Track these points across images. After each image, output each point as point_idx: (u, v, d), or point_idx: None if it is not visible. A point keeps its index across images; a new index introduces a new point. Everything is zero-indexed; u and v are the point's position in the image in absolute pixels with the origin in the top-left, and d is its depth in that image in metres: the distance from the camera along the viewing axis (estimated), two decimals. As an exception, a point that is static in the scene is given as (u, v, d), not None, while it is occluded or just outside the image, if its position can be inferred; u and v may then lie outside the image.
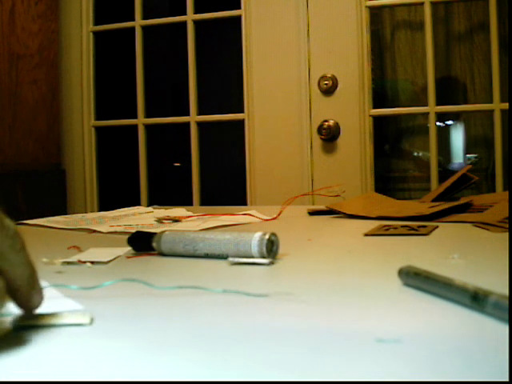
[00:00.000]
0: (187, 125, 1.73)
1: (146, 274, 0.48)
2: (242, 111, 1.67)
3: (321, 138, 1.59)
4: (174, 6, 2.04)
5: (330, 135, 1.58)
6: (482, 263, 0.48)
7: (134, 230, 0.62)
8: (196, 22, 1.72)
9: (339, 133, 1.59)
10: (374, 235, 0.66)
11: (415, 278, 0.37)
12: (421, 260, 0.50)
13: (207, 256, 0.53)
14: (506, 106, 1.50)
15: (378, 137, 1.66)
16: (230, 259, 0.49)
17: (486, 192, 1.69)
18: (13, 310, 0.31)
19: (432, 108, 1.56)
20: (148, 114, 1.78)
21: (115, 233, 0.73)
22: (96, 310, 0.34)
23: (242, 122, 1.68)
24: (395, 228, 0.70)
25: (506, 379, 0.21)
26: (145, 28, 1.78)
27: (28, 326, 0.31)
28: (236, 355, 0.26)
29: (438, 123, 1.59)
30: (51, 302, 0.34)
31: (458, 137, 2.05)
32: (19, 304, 0.31)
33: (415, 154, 2.05)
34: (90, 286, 0.38)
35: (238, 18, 1.67)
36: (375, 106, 1.60)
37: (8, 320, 0.31)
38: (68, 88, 1.81)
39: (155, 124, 1.82)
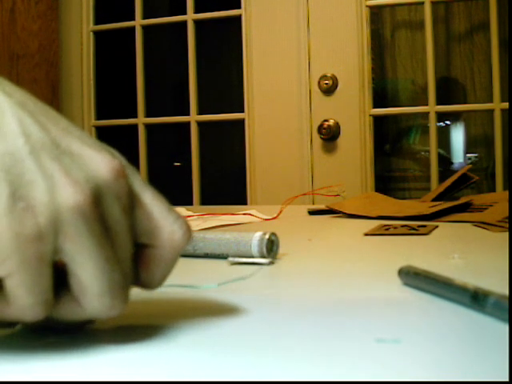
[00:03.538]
0: (187, 124, 1.73)
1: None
2: (242, 111, 1.67)
3: (321, 138, 1.59)
4: (174, 6, 2.04)
5: (330, 135, 1.58)
6: (482, 263, 0.48)
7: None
8: (196, 22, 1.72)
9: (339, 132, 1.59)
10: (374, 235, 0.66)
11: (415, 278, 0.37)
12: (421, 260, 0.50)
13: (207, 256, 0.53)
14: (506, 105, 1.50)
15: (378, 136, 1.66)
16: (230, 259, 0.49)
17: (486, 192, 1.69)
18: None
19: (432, 108, 1.56)
20: (148, 114, 1.78)
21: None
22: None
23: (242, 122, 1.68)
24: (395, 228, 0.70)
25: (506, 379, 0.21)
26: (145, 28, 1.78)
27: None
28: (235, 355, 0.26)
29: (438, 123, 1.59)
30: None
31: (458, 136, 2.05)
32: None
33: (415, 153, 2.05)
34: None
35: (238, 18, 1.67)
36: (375, 106, 1.60)
37: None
38: (68, 88, 1.81)
39: (155, 123, 1.82)
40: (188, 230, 0.28)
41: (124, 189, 0.26)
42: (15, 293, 0.24)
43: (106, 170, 0.25)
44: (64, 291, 0.26)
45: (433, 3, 1.56)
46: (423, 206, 0.84)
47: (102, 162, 0.25)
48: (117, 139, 2.03)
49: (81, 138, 0.26)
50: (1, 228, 0.23)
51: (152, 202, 0.27)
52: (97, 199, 0.25)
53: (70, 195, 0.24)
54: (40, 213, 0.23)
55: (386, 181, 2.03)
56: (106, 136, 1.85)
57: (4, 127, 0.24)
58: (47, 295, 0.24)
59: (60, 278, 0.25)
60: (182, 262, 0.51)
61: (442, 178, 1.46)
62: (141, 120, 1.77)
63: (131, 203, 0.26)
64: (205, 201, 1.74)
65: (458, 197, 0.96)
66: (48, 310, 0.25)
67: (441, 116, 1.66)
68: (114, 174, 0.25)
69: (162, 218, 0.27)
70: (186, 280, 0.42)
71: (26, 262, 0.23)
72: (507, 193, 0.90)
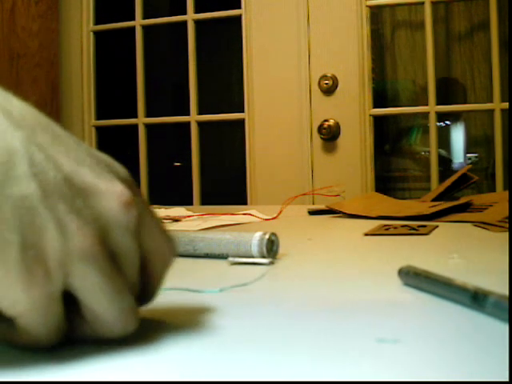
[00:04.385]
0: (187, 124, 1.73)
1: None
2: (242, 111, 1.67)
3: (321, 138, 1.59)
4: (174, 6, 2.04)
5: (330, 135, 1.58)
6: (482, 263, 0.48)
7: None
8: (196, 22, 1.72)
9: (339, 132, 1.59)
10: (374, 235, 0.66)
11: (415, 278, 0.37)
12: (421, 260, 0.50)
13: (207, 256, 0.53)
14: (506, 105, 1.50)
15: (378, 136, 1.66)
16: (230, 259, 0.49)
17: (486, 192, 1.69)
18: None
19: (432, 108, 1.56)
20: (148, 114, 1.78)
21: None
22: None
23: (242, 122, 1.68)
24: (395, 228, 0.70)
25: (506, 379, 0.21)
26: (145, 27, 1.78)
27: None
28: (234, 355, 0.26)
29: (438, 123, 1.59)
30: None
31: (458, 136, 2.05)
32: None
33: (415, 153, 2.05)
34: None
35: (238, 18, 1.67)
36: (375, 106, 1.60)
37: None
38: (68, 88, 1.81)
39: (155, 123, 1.82)
40: (175, 249, 0.30)
41: (134, 219, 0.26)
42: (26, 329, 0.25)
43: (117, 204, 0.26)
44: (76, 313, 0.26)
45: (433, 3, 1.56)
46: (423, 206, 0.84)
47: (112, 196, 0.26)
48: (117, 139, 2.03)
49: (91, 166, 0.26)
50: (11, 275, 0.23)
51: (153, 223, 0.28)
52: (105, 236, 0.25)
53: (80, 240, 0.24)
54: (50, 259, 0.24)
55: (386, 181, 2.03)
56: (106, 136, 1.85)
57: (15, 169, 0.24)
58: (58, 324, 0.25)
59: (72, 299, 0.26)
60: (182, 262, 0.52)
61: (442, 178, 1.46)
62: (141, 120, 1.77)
63: (140, 227, 0.27)
64: (205, 201, 1.74)
65: (457, 197, 0.96)
66: (60, 334, 0.26)
67: (441, 116, 1.66)
68: (125, 207, 0.26)
69: (162, 239, 0.29)
70: (186, 280, 0.42)
71: (34, 304, 0.24)
72: (507, 193, 0.90)
